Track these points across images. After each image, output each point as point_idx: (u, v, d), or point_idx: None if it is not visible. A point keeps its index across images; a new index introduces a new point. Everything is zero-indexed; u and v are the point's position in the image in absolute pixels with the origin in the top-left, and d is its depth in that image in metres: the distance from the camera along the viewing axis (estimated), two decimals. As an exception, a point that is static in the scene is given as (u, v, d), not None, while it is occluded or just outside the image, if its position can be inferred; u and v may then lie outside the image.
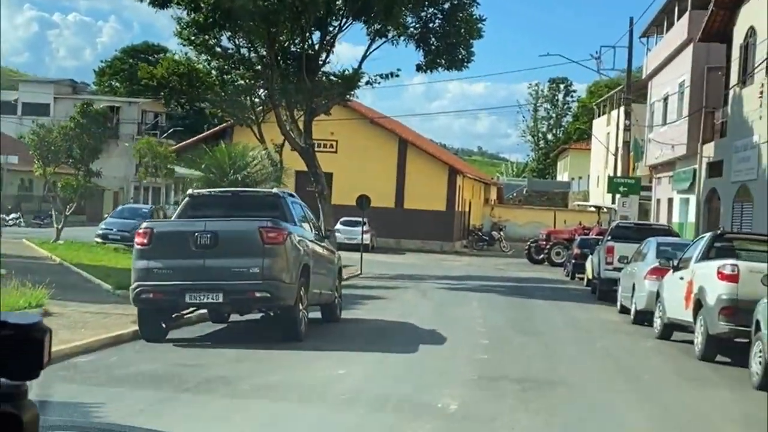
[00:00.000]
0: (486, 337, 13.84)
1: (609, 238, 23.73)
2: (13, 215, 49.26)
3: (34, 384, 1.30)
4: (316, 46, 28.27)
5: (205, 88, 30.15)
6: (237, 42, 29.10)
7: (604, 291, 22.54)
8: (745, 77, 25.56)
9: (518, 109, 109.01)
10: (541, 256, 40.19)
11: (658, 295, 15.37)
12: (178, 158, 39.70)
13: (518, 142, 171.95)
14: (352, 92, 29.49)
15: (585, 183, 64.84)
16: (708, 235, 14.38)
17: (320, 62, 28.25)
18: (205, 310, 13.25)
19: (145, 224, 12.20)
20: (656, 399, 9.67)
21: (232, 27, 27.51)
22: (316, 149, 30.37)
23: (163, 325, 12.24)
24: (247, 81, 29.88)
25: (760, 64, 23.68)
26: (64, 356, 9.95)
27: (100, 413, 7.18)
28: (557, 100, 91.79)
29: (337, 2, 27.68)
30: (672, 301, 14.33)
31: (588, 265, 26.68)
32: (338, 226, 37.95)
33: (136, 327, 12.16)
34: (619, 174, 37.03)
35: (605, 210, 40.97)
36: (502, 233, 50.26)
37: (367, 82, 28.95)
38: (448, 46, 28.89)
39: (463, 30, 28.63)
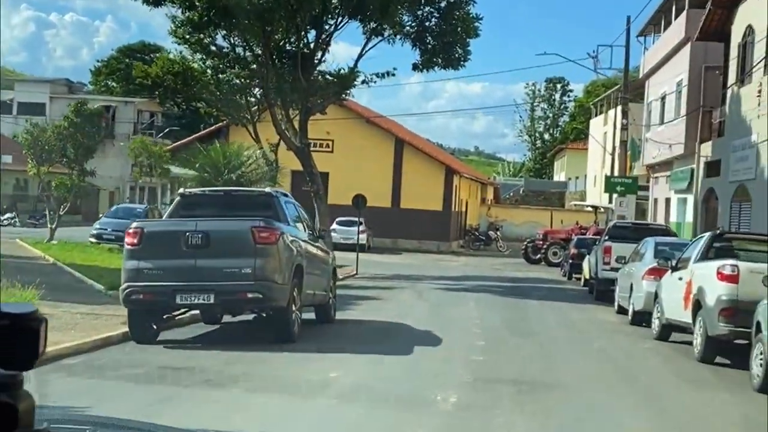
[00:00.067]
0: (482, 338, 13.66)
1: (606, 237, 23.59)
2: (8, 215, 49.01)
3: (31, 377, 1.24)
4: (312, 45, 28.07)
5: (200, 87, 29.93)
6: (232, 41, 28.92)
7: (602, 291, 22.40)
8: (743, 76, 25.42)
9: (515, 108, 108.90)
10: (538, 256, 40.06)
11: (656, 295, 15.20)
12: (173, 158, 39.50)
13: (515, 142, 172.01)
14: (348, 91, 29.31)
15: (582, 183, 64.72)
16: (707, 234, 14.20)
17: (316, 61, 28.05)
18: (197, 311, 13.06)
19: (135, 224, 12.00)
20: (655, 401, 9.50)
21: (227, 25, 27.33)
22: (311, 149, 30.17)
23: (154, 327, 12.04)
24: (243, 80, 29.69)
25: (759, 62, 23.53)
26: (51, 358, 9.75)
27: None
28: (554, 99, 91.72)
29: (333, 1, 27.49)
30: (670, 301, 14.16)
31: (585, 265, 26.54)
32: (334, 225, 37.81)
33: (126, 328, 11.97)
34: (616, 174, 36.90)
35: (602, 210, 40.85)
36: (498, 233, 50.15)
37: (363, 81, 28.77)
38: (445, 45, 28.69)
39: (459, 29, 28.45)
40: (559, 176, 77.69)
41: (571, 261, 30.27)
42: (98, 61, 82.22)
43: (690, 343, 13.27)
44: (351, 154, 43.85)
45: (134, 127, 64.23)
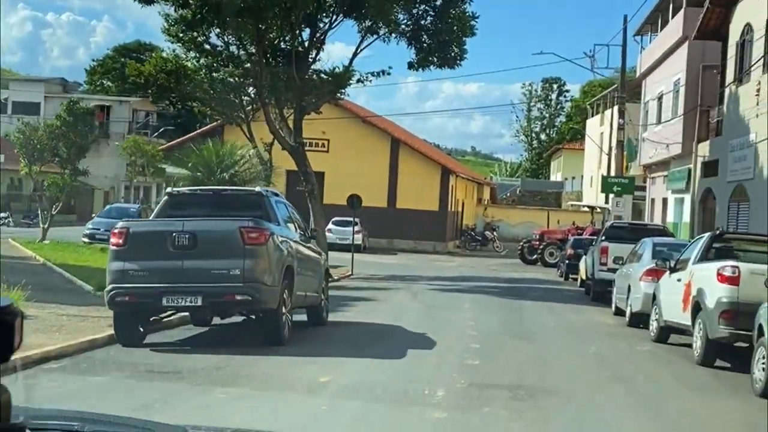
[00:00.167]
0: (477, 341, 13.38)
1: (603, 238, 23.36)
2: (1, 215, 48.71)
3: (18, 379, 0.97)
4: (306, 44, 27.81)
5: (193, 86, 29.65)
6: (226, 39, 28.66)
7: (599, 292, 22.17)
8: (741, 75, 25.19)
9: (512, 108, 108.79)
10: (534, 256, 39.88)
11: (654, 297, 14.95)
12: (166, 157, 39.22)
13: (512, 142, 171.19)
14: (343, 90, 29.03)
15: (578, 183, 64.57)
16: (706, 235, 13.92)
17: (310, 60, 27.79)
18: (187, 313, 12.79)
19: (120, 224, 11.71)
20: (654, 407, 9.23)
21: (221, 23, 27.07)
22: (307, 148, 29.94)
23: (141, 329, 11.75)
24: (236, 79, 29.41)
25: (757, 61, 23.30)
26: (33, 363, 9.47)
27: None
28: (550, 99, 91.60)
29: (328, -1, 27.26)
30: (669, 303, 13.89)
31: (582, 265, 26.33)
32: (330, 226, 37.57)
33: (112, 331, 11.68)
34: (612, 174, 36.70)
35: (599, 210, 40.66)
36: (495, 233, 49.97)
37: (359, 80, 28.50)
38: (441, 43, 28.44)
39: (455, 27, 28.19)
40: (555, 176, 77.54)
41: (567, 261, 30.10)
42: (94, 60, 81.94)
43: (689, 346, 13.02)
44: (347, 154, 43.64)
45: (129, 127, 63.95)
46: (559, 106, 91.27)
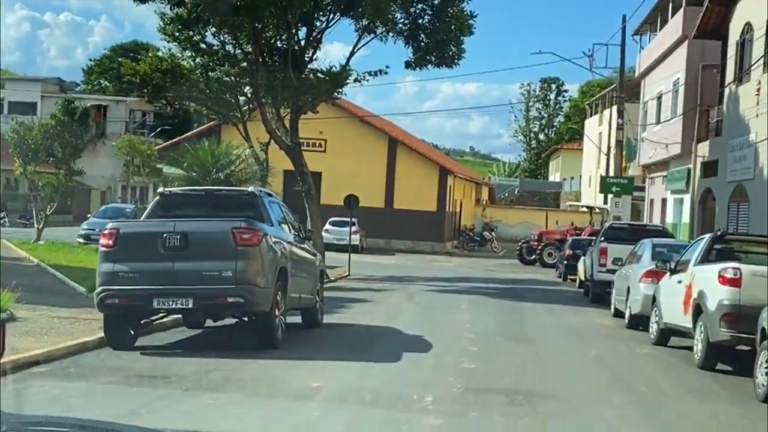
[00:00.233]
0: (474, 343, 13.17)
1: (602, 239, 23.16)
2: (-2, 215, 48.46)
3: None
4: (303, 43, 27.62)
5: (189, 86, 29.43)
6: (222, 38, 28.47)
7: (598, 293, 21.98)
8: (741, 74, 24.99)
9: (510, 108, 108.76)
10: (533, 257, 39.72)
11: (654, 299, 14.73)
12: (161, 157, 39.01)
13: (510, 143, 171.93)
14: (340, 90, 28.82)
15: (577, 183, 64.41)
16: (707, 236, 13.69)
17: (307, 59, 27.59)
18: (179, 315, 12.56)
19: (110, 224, 11.48)
20: (655, 413, 9.03)
21: (217, 22, 26.86)
22: (304, 148, 29.76)
23: (131, 332, 11.53)
24: (232, 78, 29.20)
25: (758, 60, 23.10)
26: (20, 366, 9.25)
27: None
28: (549, 99, 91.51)
29: (324, -3, 27.05)
30: (669, 305, 13.67)
31: (580, 266, 26.14)
32: (327, 226, 37.40)
33: (103, 333, 11.45)
34: (611, 174, 36.52)
35: (597, 210, 40.49)
36: (493, 234, 49.80)
37: (356, 80, 28.31)
38: (438, 42, 28.26)
39: (453, 26, 28.01)
40: (554, 177, 77.39)
41: (566, 262, 29.93)
42: (91, 60, 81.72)
43: (689, 348, 12.81)
44: (344, 154, 43.46)
45: (126, 127, 63.72)
46: (557, 106, 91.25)
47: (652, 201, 37.51)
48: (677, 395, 10.06)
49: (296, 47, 27.26)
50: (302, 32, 27.80)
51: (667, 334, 14.13)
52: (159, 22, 27.69)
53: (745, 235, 16.13)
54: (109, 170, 59.74)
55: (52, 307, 14.18)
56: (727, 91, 26.33)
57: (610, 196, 34.54)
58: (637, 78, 40.03)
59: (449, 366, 10.85)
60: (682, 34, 30.50)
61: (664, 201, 35.00)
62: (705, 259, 12.83)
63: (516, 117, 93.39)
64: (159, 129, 61.96)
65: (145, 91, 31.42)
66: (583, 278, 25.50)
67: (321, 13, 27.59)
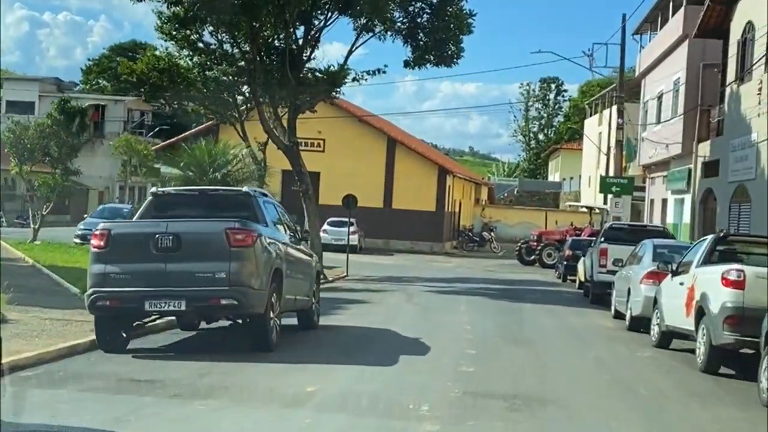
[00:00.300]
0: (473, 346, 12.95)
1: (602, 239, 22.95)
2: (-4, 215, 48.26)
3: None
4: (301, 41, 27.42)
5: (186, 85, 29.22)
6: (219, 37, 28.28)
7: (598, 294, 21.79)
8: (742, 74, 24.80)
9: (509, 108, 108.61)
10: (532, 257, 39.54)
11: (655, 301, 14.51)
12: (158, 157, 38.81)
13: (510, 142, 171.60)
14: (338, 89, 28.62)
15: (576, 183, 64.24)
16: (710, 237, 13.46)
17: (305, 58, 27.39)
18: (173, 317, 12.34)
19: (101, 225, 11.26)
20: (657, 417, 8.83)
21: (214, 21, 26.66)
22: (302, 148, 29.57)
23: (123, 334, 11.31)
24: (230, 77, 28.99)
25: (759, 59, 22.90)
26: (8, 370, 9.02)
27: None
28: (548, 99, 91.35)
29: (322, -4, 26.84)
30: (671, 307, 13.45)
31: (580, 266, 25.95)
32: (325, 226, 37.23)
33: (94, 336, 11.25)
34: (611, 174, 36.34)
35: (597, 211, 40.30)
36: (492, 234, 49.63)
37: (354, 79, 28.10)
38: (437, 41, 28.08)
39: (452, 25, 27.83)
40: (553, 177, 77.22)
41: (565, 263, 29.77)
42: (89, 59, 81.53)
43: (691, 351, 12.60)
44: (342, 154, 43.29)
45: (124, 126, 63.52)
46: (557, 106, 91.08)
47: (652, 201, 37.31)
48: (679, 399, 9.85)
49: (294, 46, 27.07)
50: (300, 31, 27.66)
51: (668, 337, 13.91)
52: (156, 21, 27.52)
53: (748, 236, 15.89)
54: (107, 170, 59.56)
55: (45, 309, 13.98)
56: (728, 90, 26.15)
57: (609, 196, 34.37)
58: (638, 77, 39.86)
59: (447, 369, 10.63)
60: (683, 33, 30.31)
61: (664, 201, 34.81)
62: (708, 260, 12.61)
63: (515, 117, 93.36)
64: (157, 129, 61.79)
65: (142, 90, 31.21)
66: (582, 279, 25.32)
67: (319, 12, 27.40)
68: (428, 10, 27.97)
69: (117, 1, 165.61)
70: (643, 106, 38.16)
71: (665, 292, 14.04)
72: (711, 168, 27.60)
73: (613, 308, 18.90)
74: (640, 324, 15.92)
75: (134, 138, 55.97)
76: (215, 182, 23.82)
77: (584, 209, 45.45)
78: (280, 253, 11.72)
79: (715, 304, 11.34)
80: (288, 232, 13.06)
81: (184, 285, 10.54)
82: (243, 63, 27.76)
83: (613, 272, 20.11)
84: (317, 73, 27.70)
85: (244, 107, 30.34)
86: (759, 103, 22.69)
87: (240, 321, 11.67)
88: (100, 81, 75.61)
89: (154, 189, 12.91)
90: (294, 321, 13.74)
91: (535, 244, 39.88)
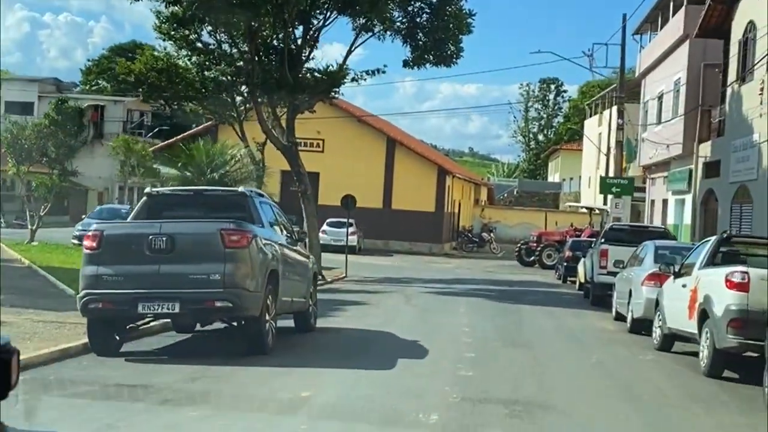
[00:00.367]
0: (472, 349, 12.75)
1: (603, 240, 22.75)
2: (-6, 216, 48.06)
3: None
4: (299, 41, 27.25)
5: (185, 85, 29.04)
6: (218, 37, 28.10)
7: (598, 296, 21.60)
8: (744, 73, 24.62)
9: (509, 109, 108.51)
10: (532, 258, 39.36)
11: (657, 303, 14.30)
12: (156, 157, 38.63)
13: (509, 143, 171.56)
14: (337, 89, 28.44)
15: (576, 184, 64.05)
16: (713, 238, 13.24)
17: (303, 58, 27.21)
18: (168, 319, 12.14)
19: (94, 226, 11.07)
20: (660, 423, 8.64)
21: (212, 21, 26.49)
22: (301, 148, 29.39)
23: (117, 337, 11.11)
24: (228, 77, 28.81)
25: (761, 59, 22.70)
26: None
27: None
28: (548, 100, 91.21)
29: (321, -5, 26.66)
30: (673, 310, 13.24)
31: (580, 268, 25.77)
32: (324, 227, 37.07)
33: (87, 339, 11.04)
34: (611, 174, 36.15)
35: (597, 211, 40.12)
36: (492, 235, 49.46)
37: (353, 79, 27.95)
38: (437, 41, 27.93)
39: (451, 25, 27.67)
40: (553, 177, 77.05)
41: (565, 264, 29.61)
42: (89, 60, 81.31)
43: (694, 354, 12.40)
44: (342, 154, 43.12)
45: (124, 127, 63.29)
46: (556, 107, 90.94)
47: (652, 202, 37.12)
48: (683, 404, 9.65)
49: (293, 46, 26.90)
50: (299, 31, 27.50)
51: (670, 340, 13.71)
52: (155, 20, 27.35)
53: (752, 237, 15.67)
54: (106, 171, 59.32)
55: (39, 311, 13.81)
56: (729, 90, 25.97)
57: (609, 196, 34.18)
58: (638, 78, 39.67)
59: (445, 373, 10.43)
60: (684, 33, 30.13)
61: (665, 202, 34.62)
62: (711, 262, 12.40)
63: (515, 117, 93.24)
64: (157, 129, 61.58)
65: (140, 90, 31.04)
66: (583, 280, 25.14)
67: (318, 11, 27.24)
68: (427, 10, 27.81)
69: (118, 2, 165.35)
70: (643, 106, 37.97)
71: (667, 294, 13.84)
72: (712, 168, 27.42)
73: (613, 310, 18.71)
74: (642, 326, 15.73)
75: (132, 138, 55.76)
76: (213, 182, 23.63)
77: (584, 210, 45.29)
78: (276, 255, 11.53)
79: (719, 306, 11.13)
80: (284, 232, 12.86)
81: (177, 287, 10.34)
82: (241, 63, 27.59)
83: (614, 273, 19.93)
84: (316, 73, 27.54)
85: (242, 107, 30.17)
86: (761, 104, 22.51)
87: (235, 323, 11.47)
88: (100, 82, 75.37)
89: (148, 189, 12.72)
90: (291, 323, 13.55)
91: (535, 245, 39.71)
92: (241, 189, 12.78)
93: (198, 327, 12.75)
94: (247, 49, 26.83)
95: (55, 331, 12.02)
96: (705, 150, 28.44)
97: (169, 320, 12.16)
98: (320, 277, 22.40)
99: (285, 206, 26.24)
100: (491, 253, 46.73)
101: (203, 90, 29.08)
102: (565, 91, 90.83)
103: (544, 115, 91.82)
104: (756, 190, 23.01)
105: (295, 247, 13.15)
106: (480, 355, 12.21)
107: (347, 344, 12.82)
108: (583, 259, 25.45)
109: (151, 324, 12.35)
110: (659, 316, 14.02)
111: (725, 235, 13.07)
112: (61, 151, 31.92)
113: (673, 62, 32.23)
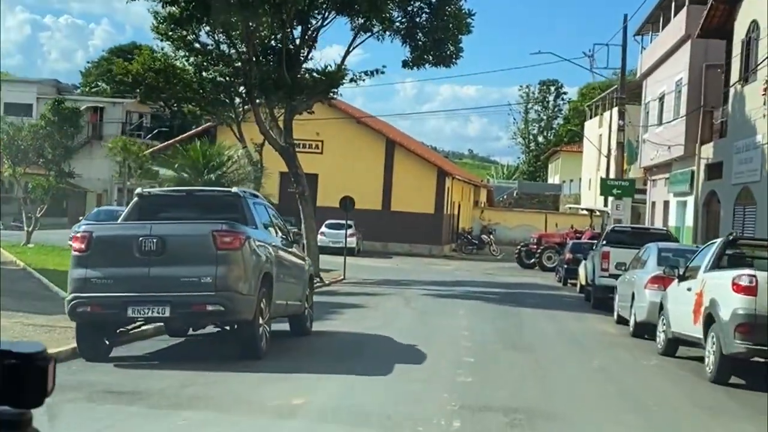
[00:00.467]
0: (471, 353, 12.45)
1: (604, 242, 22.44)
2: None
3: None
4: (298, 42, 26.97)
5: (183, 86, 28.76)
6: (216, 37, 27.83)
7: (599, 299, 21.30)
8: (747, 74, 24.35)
9: (509, 110, 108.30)
10: (532, 260, 39.06)
11: (661, 306, 13.99)
12: (153, 158, 38.37)
13: (509, 145, 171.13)
14: (336, 90, 28.16)
15: (576, 186, 63.78)
16: (719, 241, 12.92)
17: (302, 58, 26.94)
18: (159, 323, 11.86)
19: (83, 227, 10.78)
20: (664, 431, 8.33)
21: (210, 21, 26.21)
22: (300, 150, 29.13)
23: (106, 342, 10.82)
24: (226, 78, 28.54)
25: (764, 60, 22.43)
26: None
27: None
28: (548, 101, 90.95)
29: (319, -5, 26.39)
30: (678, 314, 12.93)
31: (581, 270, 25.46)
32: (323, 228, 36.81)
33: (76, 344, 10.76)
34: (612, 176, 35.88)
35: (597, 213, 39.85)
36: (492, 237, 49.17)
37: (352, 80, 27.68)
38: (436, 41, 27.65)
39: (451, 25, 27.40)
40: (553, 179, 76.78)
41: (566, 266, 29.29)
42: (88, 62, 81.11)
43: (699, 359, 12.11)
44: (341, 155, 42.85)
45: (122, 128, 63.05)
46: (556, 108, 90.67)
47: (653, 204, 36.83)
48: (689, 412, 9.35)
49: (291, 46, 26.63)
50: (297, 31, 27.21)
51: (675, 344, 13.40)
52: (152, 21, 27.08)
53: (758, 239, 15.35)
54: (105, 172, 59.07)
55: (30, 314, 13.56)
56: (732, 91, 25.69)
57: (610, 198, 33.91)
58: (639, 79, 39.42)
59: (444, 379, 10.13)
60: (685, 33, 29.87)
61: (666, 204, 34.33)
62: (716, 265, 12.08)
63: (515, 119, 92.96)
64: (156, 131, 61.33)
65: (138, 91, 30.78)
66: (584, 283, 24.84)
67: (316, 11, 26.97)
68: (427, 10, 27.54)
69: (118, 5, 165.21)
70: (644, 107, 37.70)
71: (671, 298, 13.53)
72: (714, 170, 27.14)
73: (615, 313, 18.41)
74: (645, 330, 15.43)
75: (129, 140, 55.53)
76: (210, 183, 23.35)
77: (584, 212, 44.99)
78: (270, 257, 11.23)
79: (726, 311, 10.82)
80: (279, 234, 12.56)
81: (168, 290, 10.05)
82: (239, 63, 27.32)
83: (615, 276, 19.61)
84: (314, 74, 27.26)
85: (240, 108, 29.90)
86: (764, 104, 22.23)
87: (228, 327, 11.17)
88: (99, 83, 75.14)
89: (139, 190, 12.41)
90: (286, 326, 13.26)
91: (535, 247, 39.41)
92: (234, 190, 12.47)
93: (191, 331, 12.46)
94: (245, 49, 26.57)
95: (45, 335, 11.75)
96: (707, 151, 28.17)
97: (162, 324, 11.90)
98: (318, 279, 22.12)
99: (284, 208, 26.01)
100: (491, 255, 46.47)
101: (201, 91, 28.80)
102: (565, 93, 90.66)
103: (544, 117, 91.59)
104: (759, 192, 22.72)
105: (290, 249, 12.86)
106: (480, 359, 11.92)
107: (343, 348, 12.54)
108: (583, 262, 25.14)
109: (144, 328, 12.07)
110: (663, 320, 13.71)
111: (731, 237, 12.76)
112: (58, 152, 31.64)
113: (675, 63, 31.96)
